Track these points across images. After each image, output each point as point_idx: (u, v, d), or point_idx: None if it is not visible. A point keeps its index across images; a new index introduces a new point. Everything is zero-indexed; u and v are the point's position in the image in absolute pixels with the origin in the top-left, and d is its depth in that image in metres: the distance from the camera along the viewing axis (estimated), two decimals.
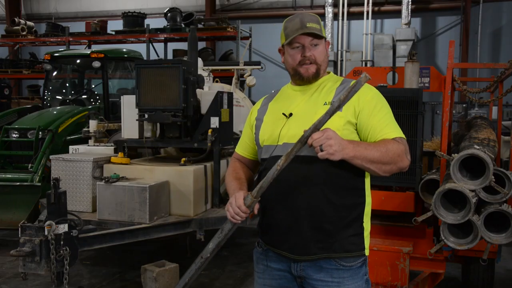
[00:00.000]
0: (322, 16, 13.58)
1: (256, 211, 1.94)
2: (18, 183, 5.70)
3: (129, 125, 4.85)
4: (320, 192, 1.92)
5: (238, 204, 1.89)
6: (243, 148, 2.27)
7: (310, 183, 1.93)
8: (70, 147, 5.24)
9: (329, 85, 2.05)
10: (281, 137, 1.99)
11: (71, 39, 12.71)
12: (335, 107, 1.76)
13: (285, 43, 2.03)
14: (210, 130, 4.63)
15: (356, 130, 1.96)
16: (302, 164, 1.92)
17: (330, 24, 13.57)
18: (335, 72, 10.76)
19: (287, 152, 1.81)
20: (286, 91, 2.17)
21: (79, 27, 14.24)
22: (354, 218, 1.98)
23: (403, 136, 1.95)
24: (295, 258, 1.99)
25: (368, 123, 1.94)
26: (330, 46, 12.96)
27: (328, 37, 13.42)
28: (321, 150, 1.75)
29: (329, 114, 1.77)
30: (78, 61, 8.10)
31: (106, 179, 4.25)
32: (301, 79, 2.05)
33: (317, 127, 1.76)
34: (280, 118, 2.03)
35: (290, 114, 2.01)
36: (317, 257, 1.96)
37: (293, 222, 1.95)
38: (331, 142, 1.73)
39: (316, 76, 2.04)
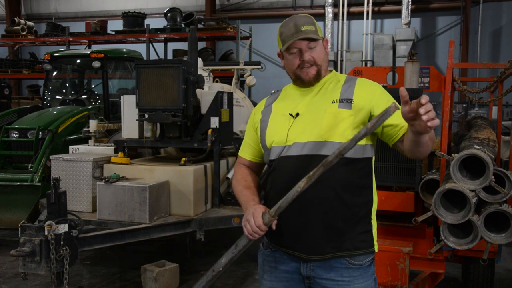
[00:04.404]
0: (322, 16, 13.58)
1: (274, 227, 1.93)
2: (18, 183, 5.71)
3: (129, 125, 4.86)
4: (332, 191, 1.91)
5: (258, 223, 1.88)
6: (248, 152, 2.22)
7: (322, 183, 1.89)
8: (70, 147, 5.25)
9: (334, 83, 2.04)
10: (289, 137, 1.97)
11: (71, 39, 12.71)
12: (362, 134, 1.76)
13: (282, 49, 2.01)
14: (210, 130, 4.63)
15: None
16: (315, 164, 1.88)
17: (330, 24, 13.56)
18: None
19: (309, 175, 1.80)
20: (289, 91, 2.14)
21: (79, 27, 14.24)
22: (363, 215, 1.98)
23: None
24: (308, 258, 1.97)
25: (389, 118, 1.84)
26: (330, 46, 12.97)
27: (328, 37, 13.41)
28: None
29: (355, 140, 1.77)
30: (78, 61, 8.10)
31: (106, 179, 4.25)
32: (302, 82, 2.04)
33: (341, 152, 1.77)
34: (287, 118, 2.01)
35: (297, 114, 2.00)
36: (330, 256, 1.94)
37: (306, 223, 1.94)
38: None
39: (317, 77, 2.02)
